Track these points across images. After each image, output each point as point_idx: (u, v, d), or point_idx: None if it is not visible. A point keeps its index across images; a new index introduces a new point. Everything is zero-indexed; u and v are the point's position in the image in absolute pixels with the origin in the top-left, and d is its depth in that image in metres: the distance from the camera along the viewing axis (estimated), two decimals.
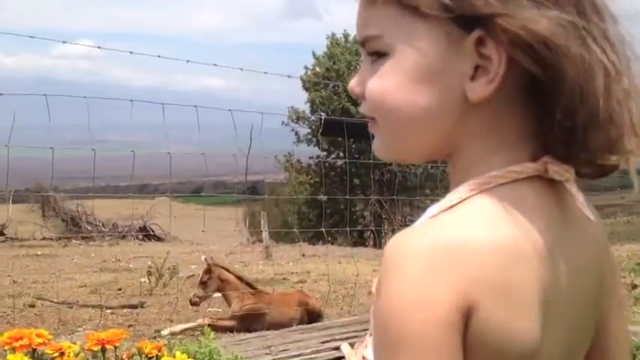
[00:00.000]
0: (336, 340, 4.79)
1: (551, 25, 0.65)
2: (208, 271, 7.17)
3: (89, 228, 17.08)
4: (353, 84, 0.77)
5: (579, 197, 0.71)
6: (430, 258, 0.64)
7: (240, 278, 7.34)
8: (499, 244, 0.66)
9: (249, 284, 7.36)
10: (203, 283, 7.18)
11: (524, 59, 0.66)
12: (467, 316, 0.64)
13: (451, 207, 0.69)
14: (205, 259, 7.49)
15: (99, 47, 6.64)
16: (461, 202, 0.69)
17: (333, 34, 25.07)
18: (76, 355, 2.32)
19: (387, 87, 0.72)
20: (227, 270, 7.36)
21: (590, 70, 0.67)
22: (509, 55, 0.67)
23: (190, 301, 7.21)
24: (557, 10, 0.66)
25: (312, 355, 4.52)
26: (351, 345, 0.84)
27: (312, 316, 7.15)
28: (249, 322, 6.79)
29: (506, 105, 0.71)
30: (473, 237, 0.65)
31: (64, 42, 6.09)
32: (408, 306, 0.63)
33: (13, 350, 2.21)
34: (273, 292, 7.50)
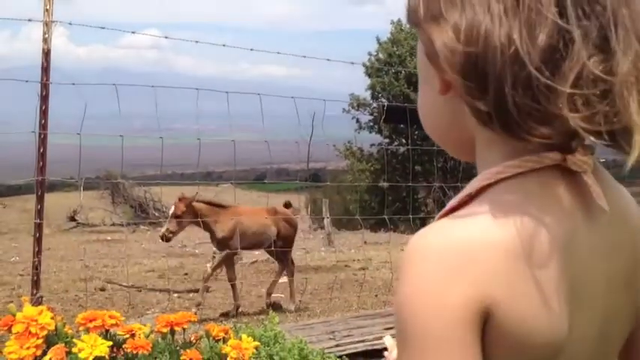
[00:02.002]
0: None
1: (446, 40, 0.67)
2: (181, 205, 7.17)
3: (156, 214, 17.54)
4: None
5: (596, 188, 0.69)
6: (445, 255, 0.65)
7: (210, 203, 7.47)
8: (515, 239, 0.65)
9: (220, 205, 7.52)
10: (177, 217, 7.17)
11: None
12: (485, 313, 0.64)
13: (469, 198, 0.70)
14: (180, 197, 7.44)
15: (166, 37, 6.75)
16: (478, 193, 0.69)
17: (399, 20, 24.79)
18: (147, 336, 2.39)
19: (418, 92, 0.80)
20: (198, 201, 7.37)
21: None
22: None
23: (163, 236, 7.26)
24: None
25: (375, 342, 4.53)
26: (393, 336, 0.84)
27: (289, 223, 7.63)
28: (229, 241, 7.13)
29: None
30: (489, 233, 0.65)
31: (133, 32, 6.22)
32: (422, 301, 0.64)
33: (87, 331, 2.30)
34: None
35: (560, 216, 0.68)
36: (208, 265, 9.55)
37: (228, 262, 7.48)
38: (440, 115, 0.76)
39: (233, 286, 7.34)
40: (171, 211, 7.32)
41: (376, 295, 7.83)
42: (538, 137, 0.65)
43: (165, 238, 7.28)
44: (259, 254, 11.25)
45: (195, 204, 7.23)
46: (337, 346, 4.36)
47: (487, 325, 0.65)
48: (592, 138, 0.65)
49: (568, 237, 0.68)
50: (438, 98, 0.73)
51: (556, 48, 0.63)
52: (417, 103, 0.80)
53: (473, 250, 0.65)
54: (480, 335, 0.65)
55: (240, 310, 7.20)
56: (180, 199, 7.24)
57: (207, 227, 7.34)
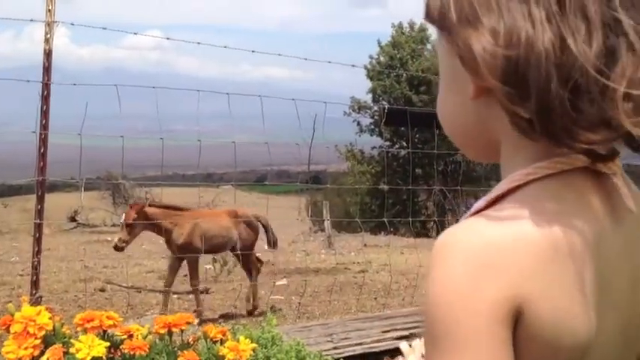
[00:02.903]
0: (397, 330, 4.78)
1: (485, 45, 0.66)
2: (132, 212, 6.93)
3: None
4: None
5: (624, 190, 0.70)
6: (478, 252, 0.64)
7: (166, 207, 7.27)
8: (547, 239, 0.65)
9: (176, 208, 7.34)
10: (129, 226, 6.87)
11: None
12: (517, 312, 0.64)
13: (498, 199, 0.69)
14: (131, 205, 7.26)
15: (168, 38, 6.77)
16: (507, 194, 0.69)
17: (400, 23, 24.84)
18: (144, 337, 2.39)
19: (438, 96, 0.79)
20: (152, 205, 7.20)
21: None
22: None
23: (115, 247, 6.99)
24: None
25: (373, 345, 4.53)
26: (409, 343, 0.84)
27: (250, 226, 7.44)
28: (189, 246, 6.89)
29: None
30: (521, 232, 0.65)
31: (135, 33, 6.23)
32: (454, 300, 0.64)
33: (85, 331, 2.30)
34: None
35: (589, 217, 0.68)
36: (208, 266, 9.57)
37: (192, 268, 7.21)
38: (466, 118, 0.75)
39: (195, 292, 7.15)
40: (122, 219, 7.01)
41: (375, 298, 7.83)
42: (584, 143, 0.65)
43: (118, 248, 6.97)
44: (259, 255, 11.25)
45: (148, 209, 7.01)
46: (335, 348, 4.36)
47: (518, 324, 0.64)
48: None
49: (597, 238, 0.68)
50: (466, 102, 0.72)
51: (610, 50, 0.63)
52: (437, 105, 0.79)
53: (506, 248, 0.64)
54: (512, 335, 0.64)
55: (202, 317, 6.78)
56: (131, 206, 7.04)
57: (162, 232, 7.09)
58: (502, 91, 0.65)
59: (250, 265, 7.54)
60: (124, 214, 7.05)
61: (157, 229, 7.07)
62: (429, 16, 0.74)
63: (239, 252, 7.32)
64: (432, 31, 0.80)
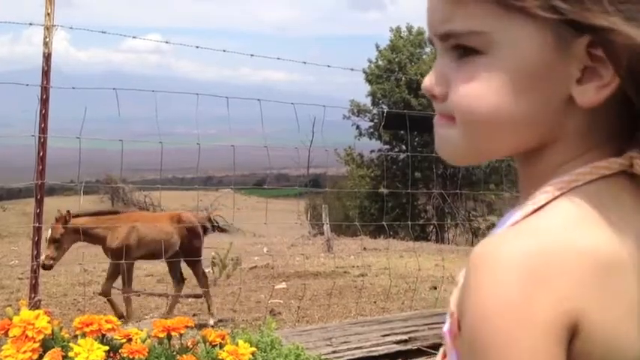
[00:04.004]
0: (396, 333, 4.78)
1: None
2: (58, 226, 6.49)
3: None
4: (431, 83, 0.72)
5: None
6: (531, 264, 0.61)
7: (97, 213, 6.98)
8: (599, 249, 0.62)
9: (107, 212, 7.05)
10: (56, 242, 6.45)
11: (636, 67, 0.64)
12: (573, 327, 0.61)
13: (540, 208, 0.66)
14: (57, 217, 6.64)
15: (167, 42, 6.78)
16: (549, 202, 0.66)
17: (398, 27, 24.89)
18: (143, 341, 2.39)
19: (485, 89, 0.67)
20: (78, 215, 6.73)
21: None
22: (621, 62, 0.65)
23: (43, 265, 6.10)
24: None
25: (372, 348, 4.52)
26: None
27: (193, 232, 7.06)
28: (124, 251, 6.44)
29: (604, 105, 0.67)
30: (572, 242, 0.62)
31: (134, 37, 6.25)
32: (507, 310, 0.60)
33: (84, 335, 2.30)
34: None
35: (637, 224, 0.66)
36: (208, 270, 9.56)
37: (128, 273, 6.79)
38: (540, 123, 0.68)
39: (127, 300, 6.77)
40: (48, 235, 6.36)
41: (375, 302, 7.82)
42: None
43: (46, 267, 6.31)
44: (258, 259, 11.26)
45: (76, 220, 6.56)
46: (334, 352, 4.35)
47: (573, 340, 0.61)
48: None
49: None
50: (554, 107, 0.67)
51: None
52: (467, 99, 0.68)
53: (560, 259, 0.61)
54: (566, 351, 0.61)
55: (126, 320, 6.41)
56: (57, 219, 6.50)
57: (97, 240, 6.77)
58: None
59: (199, 273, 7.23)
60: (49, 231, 6.41)
61: (90, 237, 6.70)
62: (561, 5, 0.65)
63: (172, 259, 6.95)
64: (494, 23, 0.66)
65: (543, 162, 0.70)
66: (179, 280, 7.26)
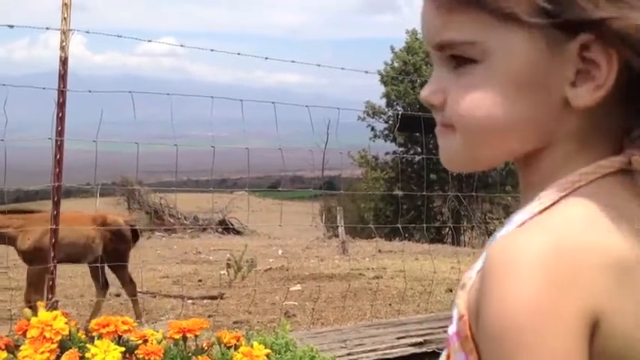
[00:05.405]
0: (411, 336, 4.76)
1: None
2: None
3: (171, 221, 17.63)
4: (429, 93, 0.73)
5: None
6: (550, 263, 0.61)
7: (12, 211, 6.52)
8: (613, 247, 0.63)
9: (22, 211, 6.51)
10: None
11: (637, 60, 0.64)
12: (594, 326, 0.61)
13: (547, 208, 0.66)
14: None
15: (182, 45, 6.81)
16: (557, 202, 0.67)
17: (414, 29, 24.82)
18: (159, 342, 2.40)
19: (482, 98, 0.69)
20: None
21: None
22: (619, 57, 0.65)
23: None
24: None
25: (387, 351, 4.51)
26: None
27: (119, 235, 6.57)
28: (39, 254, 5.81)
29: (602, 106, 0.68)
30: (589, 241, 0.63)
31: (149, 41, 6.28)
32: (534, 311, 0.60)
33: (100, 336, 2.31)
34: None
35: (638, 220, 0.66)
36: (223, 272, 9.60)
37: (38, 278, 6.01)
38: (537, 128, 0.69)
39: (31, 308, 6.14)
40: None
41: (390, 304, 7.80)
42: None
43: None
44: (273, 261, 11.27)
45: None
46: (349, 354, 4.35)
47: (593, 337, 0.61)
48: None
49: None
50: (550, 111, 0.68)
51: None
52: (467, 105, 0.69)
53: (581, 257, 0.62)
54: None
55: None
56: None
57: (7, 240, 6.23)
58: None
59: (125, 278, 6.84)
60: None
61: (2, 238, 6.12)
62: (483, 3, 0.67)
63: (94, 264, 6.49)
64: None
65: (543, 164, 0.71)
66: (102, 285, 6.77)
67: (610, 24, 0.64)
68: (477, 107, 0.69)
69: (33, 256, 6.00)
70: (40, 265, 5.74)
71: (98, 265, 6.49)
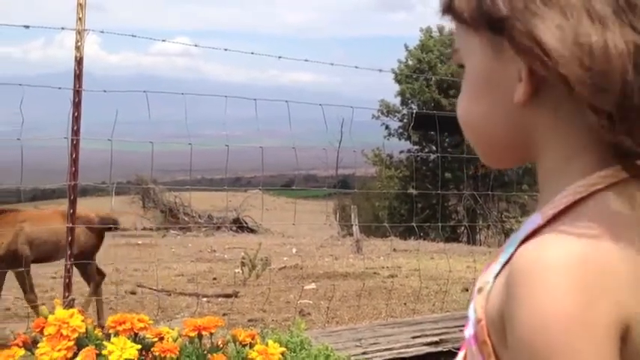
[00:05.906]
0: (426, 335, 4.75)
1: (555, 36, 0.63)
2: None
3: (186, 219, 17.71)
4: None
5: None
6: (579, 270, 0.61)
7: None
8: (635, 253, 0.63)
9: None
10: None
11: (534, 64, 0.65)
12: (625, 332, 0.61)
13: (560, 212, 0.66)
14: None
15: (196, 45, 6.83)
16: (571, 207, 0.66)
17: (429, 27, 24.73)
18: (175, 340, 2.41)
19: (460, 99, 0.76)
20: None
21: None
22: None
23: None
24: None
25: (402, 350, 4.50)
26: None
27: (91, 230, 6.29)
28: (14, 256, 5.74)
29: (566, 107, 0.67)
30: (613, 247, 0.63)
31: (163, 40, 6.36)
32: (567, 319, 0.60)
33: (117, 334, 2.33)
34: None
35: None
36: (237, 270, 9.62)
37: (21, 281, 6.01)
38: (498, 126, 0.72)
39: (34, 308, 5.74)
40: None
41: (405, 304, 7.78)
42: None
43: None
44: (288, 260, 11.29)
45: None
46: (364, 353, 4.34)
47: (623, 343, 0.62)
48: None
49: None
50: (505, 109, 0.70)
51: None
52: (461, 112, 0.76)
53: (608, 264, 0.62)
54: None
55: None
56: None
57: None
58: (580, 81, 0.62)
59: (91, 275, 6.55)
60: None
61: None
62: (452, 10, 0.72)
63: (75, 262, 5.97)
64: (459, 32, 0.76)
65: (543, 167, 0.72)
66: (91, 279, 6.63)
67: (507, 25, 0.66)
68: (459, 107, 0.76)
69: (9, 259, 5.83)
70: (18, 266, 5.68)
71: (79, 262, 5.99)
